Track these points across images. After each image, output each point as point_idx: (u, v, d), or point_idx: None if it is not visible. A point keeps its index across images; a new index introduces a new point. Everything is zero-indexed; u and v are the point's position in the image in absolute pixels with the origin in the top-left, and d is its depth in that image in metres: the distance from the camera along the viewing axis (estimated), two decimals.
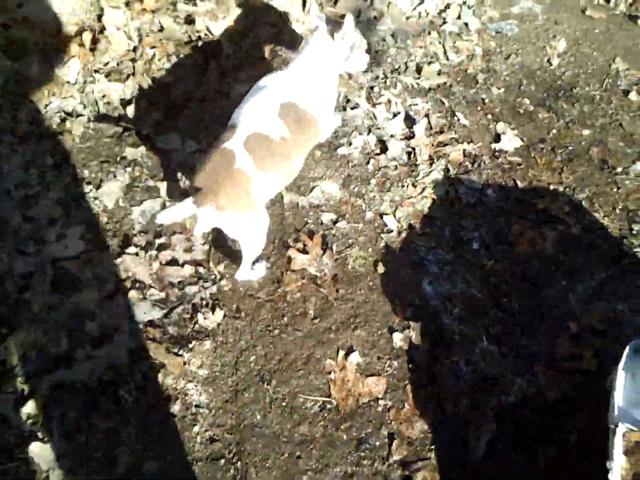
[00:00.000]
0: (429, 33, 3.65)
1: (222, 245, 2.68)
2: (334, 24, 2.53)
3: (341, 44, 2.54)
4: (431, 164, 3.06)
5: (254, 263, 2.57)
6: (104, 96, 3.09)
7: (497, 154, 3.17)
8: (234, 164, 2.19)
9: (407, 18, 3.70)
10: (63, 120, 3.01)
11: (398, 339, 2.44)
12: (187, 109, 3.11)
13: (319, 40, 2.53)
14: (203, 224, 2.24)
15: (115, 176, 2.87)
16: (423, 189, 2.95)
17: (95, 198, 2.80)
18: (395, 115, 3.25)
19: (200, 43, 3.23)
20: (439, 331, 2.49)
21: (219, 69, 3.20)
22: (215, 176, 2.17)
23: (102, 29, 3.11)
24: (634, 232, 2.88)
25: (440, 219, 2.86)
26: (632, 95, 3.47)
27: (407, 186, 2.96)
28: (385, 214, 2.84)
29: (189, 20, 3.19)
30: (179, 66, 3.19)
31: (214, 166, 2.19)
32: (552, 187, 3.05)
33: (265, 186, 2.32)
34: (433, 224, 2.85)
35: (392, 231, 2.79)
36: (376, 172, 3.02)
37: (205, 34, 3.22)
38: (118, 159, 2.95)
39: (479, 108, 3.39)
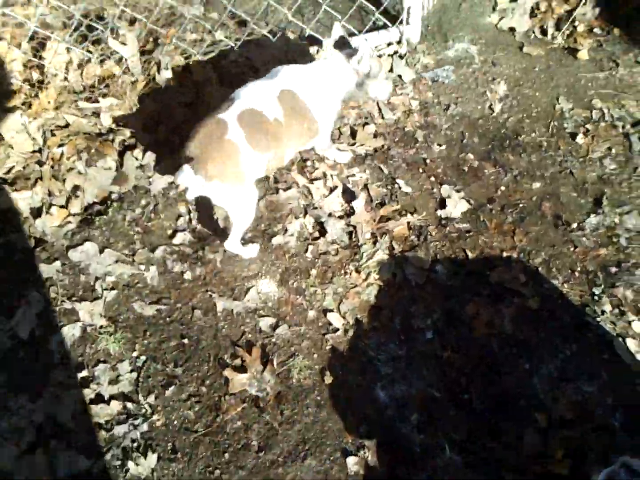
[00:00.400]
0: None
1: (150, 370, 2.48)
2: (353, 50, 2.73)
3: (356, 68, 2.72)
4: (375, 243, 2.90)
5: (245, 244, 2.77)
6: (10, 207, 2.85)
7: (443, 222, 3.03)
8: (226, 134, 2.35)
9: None
10: None
11: (352, 463, 2.28)
12: (104, 214, 2.90)
13: (335, 58, 2.74)
14: (193, 191, 2.40)
15: (28, 301, 2.65)
16: (368, 275, 2.79)
17: (8, 330, 2.58)
18: (332, 190, 3.10)
19: (112, 136, 3.02)
20: (397, 445, 2.33)
21: (136, 162, 3.00)
22: (205, 145, 2.33)
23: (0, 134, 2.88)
24: (596, 297, 2.76)
25: (389, 308, 2.71)
26: (579, 139, 3.36)
27: (351, 273, 2.80)
28: (329, 310, 2.68)
29: (97, 113, 2.98)
30: (91, 163, 2.98)
31: (205, 135, 2.35)
32: (505, 253, 2.92)
33: (254, 162, 2.47)
34: (381, 314, 2.69)
35: (337, 330, 2.63)
36: (316, 260, 2.85)
37: (117, 126, 3.02)
38: (31, 279, 2.73)
39: (420, 170, 3.24)
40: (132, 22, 3.05)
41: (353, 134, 3.34)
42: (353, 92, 2.84)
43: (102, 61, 2.99)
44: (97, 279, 2.72)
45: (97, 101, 2.90)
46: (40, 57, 2.96)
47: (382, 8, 3.44)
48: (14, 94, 2.96)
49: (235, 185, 2.45)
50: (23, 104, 2.92)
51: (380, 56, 3.69)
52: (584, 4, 3.76)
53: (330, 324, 2.65)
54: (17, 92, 2.98)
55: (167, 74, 2.98)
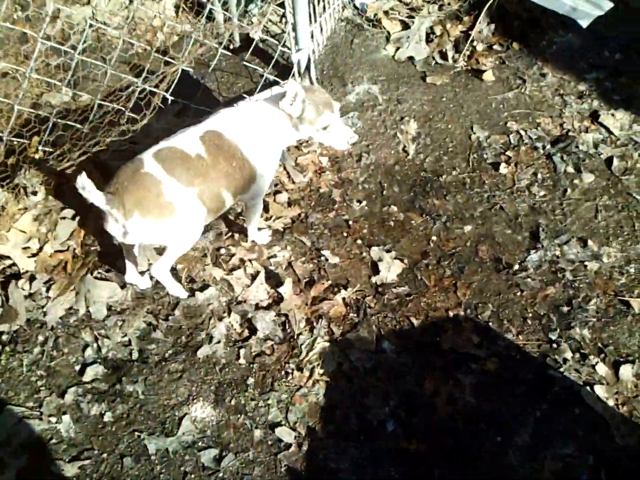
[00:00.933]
0: None
1: None
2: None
3: (288, 111, 2.65)
4: (312, 330, 2.78)
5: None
6: None
7: (380, 289, 2.94)
8: (142, 169, 2.39)
9: None
10: None
11: None
12: None
13: (261, 100, 2.75)
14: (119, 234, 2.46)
15: None
16: (312, 371, 2.66)
17: None
18: (254, 277, 2.95)
19: None
20: None
21: (24, 292, 2.75)
22: (122, 182, 2.36)
23: None
24: (554, 343, 2.73)
25: (341, 406, 2.58)
26: (503, 168, 3.37)
27: (292, 373, 2.66)
28: (277, 425, 2.52)
29: None
30: None
31: (122, 174, 2.40)
32: (451, 313, 2.86)
33: (182, 194, 2.44)
34: (334, 415, 2.56)
35: (290, 446, 2.47)
36: (251, 365, 2.69)
37: None
38: None
39: (344, 234, 3.15)
40: None
41: (265, 207, 3.20)
42: (297, 135, 2.81)
43: None
44: (1, 446, 2.44)
45: None
46: None
47: (271, 65, 3.31)
48: None
49: (161, 218, 2.42)
50: None
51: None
52: (479, 22, 3.79)
53: (280, 440, 2.48)
54: None
55: (37, 198, 2.73)
